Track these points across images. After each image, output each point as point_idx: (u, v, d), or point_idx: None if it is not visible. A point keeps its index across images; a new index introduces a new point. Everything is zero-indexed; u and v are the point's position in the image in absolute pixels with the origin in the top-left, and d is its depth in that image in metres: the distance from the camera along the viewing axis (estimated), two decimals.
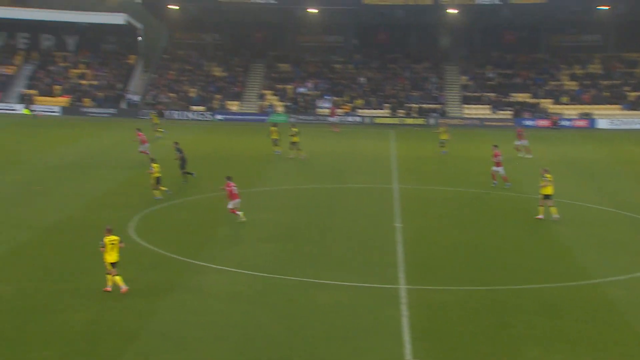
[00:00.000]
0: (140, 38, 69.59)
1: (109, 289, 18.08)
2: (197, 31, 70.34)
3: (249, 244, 23.24)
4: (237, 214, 25.23)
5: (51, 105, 60.50)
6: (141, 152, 37.04)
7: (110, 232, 18.28)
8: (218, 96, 63.89)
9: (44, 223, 24.90)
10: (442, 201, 30.33)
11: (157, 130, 46.31)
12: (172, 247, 22.25)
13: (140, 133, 38.45)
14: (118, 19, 64.60)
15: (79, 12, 66.77)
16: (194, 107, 62.68)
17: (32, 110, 58.23)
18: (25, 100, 60.17)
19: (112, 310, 17.02)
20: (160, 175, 28.69)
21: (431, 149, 43.74)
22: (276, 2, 62.66)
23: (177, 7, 64.35)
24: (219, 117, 61.57)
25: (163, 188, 29.02)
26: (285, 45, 69.90)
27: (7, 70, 64.34)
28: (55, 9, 67.15)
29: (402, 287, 19.07)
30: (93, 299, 17.72)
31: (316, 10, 63.84)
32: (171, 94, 64.00)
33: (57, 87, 63.17)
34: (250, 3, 63.39)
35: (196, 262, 20.95)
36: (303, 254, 22.06)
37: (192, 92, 64.43)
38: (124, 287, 18.03)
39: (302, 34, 69.98)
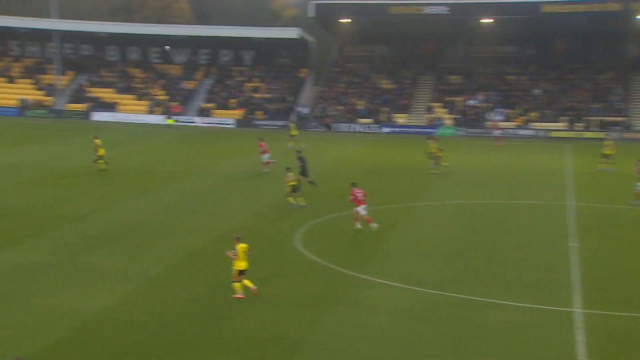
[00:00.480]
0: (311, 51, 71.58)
1: (240, 296, 18.65)
2: (367, 44, 71.21)
3: (414, 259, 22.98)
4: (371, 224, 25.61)
5: (226, 118, 63.65)
6: (266, 162, 37.92)
7: (239, 240, 18.85)
8: (385, 108, 64.18)
9: (218, 231, 26.07)
10: (623, 221, 28.38)
11: (289, 140, 46.94)
12: (337, 259, 22.46)
13: (262, 143, 38.92)
14: (292, 33, 66.85)
15: (256, 27, 69.94)
16: (361, 120, 63.38)
17: (175, 121, 61.33)
18: (167, 110, 63.31)
19: (278, 320, 17.44)
20: (296, 184, 29.55)
21: (614, 165, 41.17)
22: (449, 13, 61.95)
23: (349, 21, 65.52)
24: (385, 129, 61.81)
25: (299, 199, 29.60)
26: (456, 56, 68.92)
27: (189, 85, 68.55)
28: (233, 25, 70.87)
29: (578, 310, 17.98)
30: (261, 306, 18.26)
31: (491, 20, 62.39)
32: (339, 107, 65.16)
33: (233, 100, 66.39)
34: (421, 14, 63.18)
35: (361, 275, 21.00)
36: (471, 272, 21.46)
37: (360, 105, 65.21)
38: (253, 286, 18.71)
39: (473, 44, 68.72)
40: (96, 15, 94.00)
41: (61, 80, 66.57)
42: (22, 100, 63.39)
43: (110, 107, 64.04)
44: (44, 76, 67.72)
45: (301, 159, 33.05)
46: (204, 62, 71.89)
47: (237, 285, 18.78)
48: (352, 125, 62.61)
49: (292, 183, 29.54)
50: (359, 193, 25.94)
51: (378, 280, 20.53)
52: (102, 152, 36.58)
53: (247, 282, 18.83)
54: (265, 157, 38.05)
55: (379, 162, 44.59)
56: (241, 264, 18.73)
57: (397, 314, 17.97)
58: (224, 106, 65.80)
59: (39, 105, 63.63)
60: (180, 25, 78.49)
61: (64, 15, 68.76)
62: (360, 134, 60.75)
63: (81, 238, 24.37)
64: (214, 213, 29.06)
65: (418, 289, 19.73)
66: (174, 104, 65.42)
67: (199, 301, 18.64)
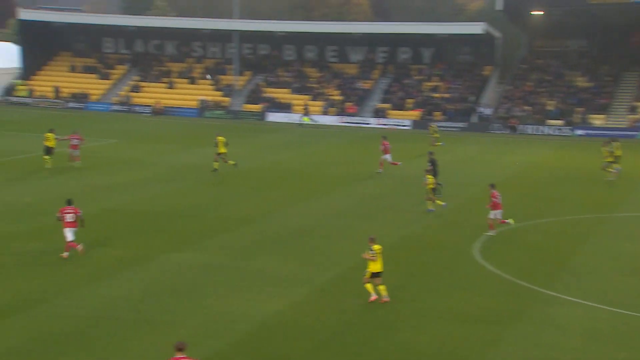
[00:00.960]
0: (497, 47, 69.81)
1: (373, 297, 18.94)
2: (560, 38, 68.34)
3: (609, 276, 21.63)
4: (506, 222, 25.88)
5: (402, 119, 63.62)
6: (392, 163, 38.06)
7: (373, 241, 19.18)
8: (580, 109, 61.15)
9: (391, 238, 26.01)
10: None
11: (435, 145, 46.20)
12: (520, 272, 21.64)
13: (386, 142, 38.63)
14: (476, 28, 65.54)
15: (437, 23, 69.26)
16: (551, 121, 60.83)
17: (311, 119, 61.81)
18: (305, 109, 64.03)
19: (453, 335, 17.07)
20: (434, 187, 29.43)
21: None
22: None
23: (541, 13, 63.19)
24: (579, 132, 58.90)
25: (439, 202, 29.17)
26: None
27: (365, 84, 69.36)
28: (413, 21, 70.67)
29: None
30: (436, 320, 17.96)
31: None
32: (526, 107, 62.98)
33: (410, 100, 66.26)
34: (627, 3, 59.50)
35: (547, 291, 20.08)
36: None
37: (550, 105, 62.64)
38: (385, 297, 18.91)
39: None
40: (274, 14, 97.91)
41: (239, 81, 69.86)
42: (202, 101, 67.23)
43: (285, 107, 66.28)
44: (223, 77, 71.43)
45: (432, 162, 33.13)
46: (381, 60, 72.42)
47: (368, 286, 19.06)
48: (540, 127, 60.27)
49: (431, 186, 29.64)
50: (496, 197, 25.77)
51: (567, 297, 19.53)
52: (222, 149, 37.42)
53: (382, 289, 19.01)
54: (387, 157, 38.30)
55: (570, 167, 42.55)
56: (375, 266, 18.97)
57: (592, 336, 16.96)
58: (400, 107, 65.88)
59: (217, 106, 67.19)
60: (358, 22, 79.64)
61: (244, 15, 72.12)
62: (549, 137, 58.34)
63: (253, 241, 25.28)
64: (387, 219, 29.05)
65: (616, 309, 18.52)
66: (349, 104, 66.45)
67: (371, 310, 18.68)
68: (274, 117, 65.12)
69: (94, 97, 68.90)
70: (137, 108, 66.13)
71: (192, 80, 71.03)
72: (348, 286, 20.73)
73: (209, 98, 68.11)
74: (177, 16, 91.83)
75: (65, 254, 22.34)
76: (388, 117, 64.49)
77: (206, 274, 21.40)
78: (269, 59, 73.81)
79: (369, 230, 26.90)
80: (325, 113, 65.67)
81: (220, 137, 37.78)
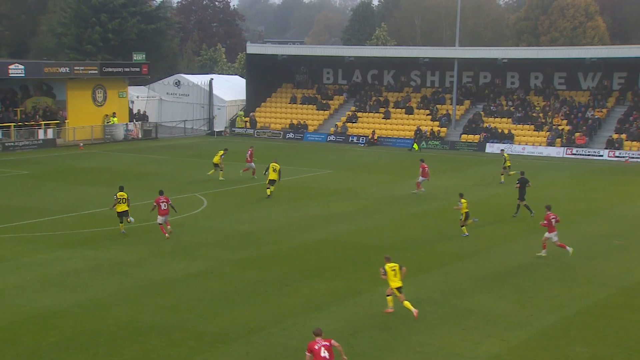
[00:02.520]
0: None
1: (389, 310, 20.97)
2: None
3: None
4: (566, 248, 26.90)
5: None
6: (417, 183, 40.68)
7: (389, 260, 21.21)
8: None
9: (624, 281, 24.57)
10: None
11: (507, 173, 45.89)
12: None
13: (424, 164, 40.81)
14: None
15: None
16: None
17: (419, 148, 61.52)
18: (419, 133, 63.01)
19: None
20: (468, 210, 30.54)
21: None
22: None
23: None
24: None
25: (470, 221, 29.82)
26: None
27: (597, 113, 66.22)
28: None
29: None
30: None
31: None
32: None
33: None
34: None
35: None
36: None
37: None
38: (414, 310, 20.38)
39: None
40: (498, 40, 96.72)
41: (457, 110, 69.62)
42: (417, 131, 67.77)
43: (505, 137, 64.97)
44: (440, 106, 71.58)
45: (520, 181, 35.20)
46: (618, 87, 68.79)
47: (389, 298, 21.20)
48: None
49: (465, 210, 30.62)
50: (552, 218, 27.07)
51: None
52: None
53: (407, 304, 20.66)
54: (420, 179, 40.63)
55: None
56: (395, 283, 20.93)
57: None
58: (638, 137, 62.05)
59: (433, 136, 67.38)
60: (590, 46, 76.44)
61: (465, 42, 71.97)
62: None
63: (468, 277, 25.00)
64: (619, 260, 27.46)
65: None
66: (578, 134, 63.75)
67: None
68: (493, 148, 64.04)
69: (311, 128, 71.92)
70: (352, 138, 68.05)
71: (409, 110, 71.86)
72: (574, 333, 19.85)
73: (425, 128, 68.47)
74: (396, 45, 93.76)
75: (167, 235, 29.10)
76: (624, 149, 60.99)
77: (418, 310, 21.44)
78: (490, 87, 72.89)
79: (597, 271, 25.62)
80: (550, 144, 63.49)
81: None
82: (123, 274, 24.75)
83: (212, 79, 76.49)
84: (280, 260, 27.03)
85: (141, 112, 72.10)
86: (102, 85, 65.54)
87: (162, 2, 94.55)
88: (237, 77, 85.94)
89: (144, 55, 70.50)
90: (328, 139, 69.40)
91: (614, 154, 60.47)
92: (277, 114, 75.19)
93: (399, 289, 20.90)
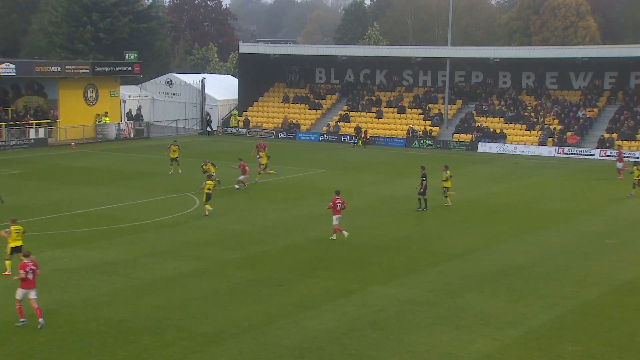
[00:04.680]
0: None
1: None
2: None
3: None
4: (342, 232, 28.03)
5: (632, 150, 60.00)
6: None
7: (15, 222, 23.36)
8: None
9: (615, 280, 24.64)
10: None
11: None
12: None
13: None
14: None
15: None
16: None
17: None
18: (411, 131, 61.51)
19: None
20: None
21: None
22: None
23: None
24: None
25: None
26: None
27: (589, 113, 66.37)
28: None
29: None
30: None
31: None
32: None
33: None
34: None
35: None
36: None
37: None
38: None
39: None
40: (490, 40, 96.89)
41: (449, 110, 69.71)
42: (410, 131, 67.84)
43: (498, 137, 65.09)
44: (432, 106, 71.64)
45: None
46: (609, 86, 68.98)
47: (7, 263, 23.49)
48: None
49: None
50: (338, 202, 29.19)
51: None
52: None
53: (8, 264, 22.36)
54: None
55: None
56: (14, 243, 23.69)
57: None
58: (629, 137, 62.24)
59: (425, 135, 67.43)
60: (583, 46, 76.58)
61: (457, 42, 72.06)
62: None
63: (461, 277, 25.02)
64: (611, 259, 27.54)
65: None
66: (569, 133, 63.91)
67: (593, 358, 17.73)
68: (485, 147, 64.15)
69: (304, 127, 71.90)
70: (345, 138, 68.03)
71: (402, 110, 71.90)
72: (566, 332, 19.90)
73: (418, 127, 68.53)
74: (388, 44, 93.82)
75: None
76: (614, 149, 61.16)
77: (410, 309, 21.48)
78: (482, 87, 73.01)
79: (589, 270, 25.69)
80: (542, 143, 63.63)
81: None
82: (115, 273, 24.67)
83: (204, 78, 76.39)
84: (273, 259, 26.99)
85: (133, 112, 71.95)
86: (94, 84, 65.38)
87: (154, 2, 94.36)
88: (229, 76, 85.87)
89: (135, 55, 70.35)
90: (320, 139, 69.37)
91: (605, 153, 60.63)
92: (270, 113, 75.14)
93: (17, 248, 23.74)
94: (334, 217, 29.89)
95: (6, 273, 24.11)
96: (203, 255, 27.17)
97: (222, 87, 78.64)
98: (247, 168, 41.11)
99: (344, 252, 28.17)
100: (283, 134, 70.79)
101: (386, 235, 31.14)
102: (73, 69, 63.10)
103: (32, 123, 59.41)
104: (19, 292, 19.94)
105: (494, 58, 68.29)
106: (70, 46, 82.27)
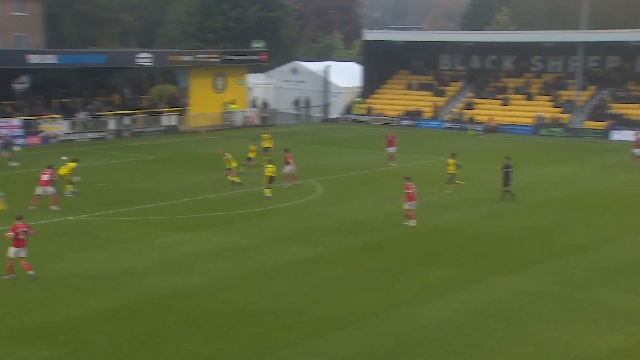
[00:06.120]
0: None
1: None
2: None
3: None
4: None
5: None
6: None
7: None
8: None
9: None
10: None
11: None
12: None
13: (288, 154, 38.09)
14: None
15: None
16: None
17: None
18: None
19: None
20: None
21: None
22: None
23: None
24: None
25: None
26: None
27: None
28: None
29: None
30: None
31: None
32: None
33: None
34: None
35: None
36: None
37: None
38: None
39: None
40: (630, 22, 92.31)
41: (581, 96, 67.12)
42: (538, 118, 65.83)
43: (633, 125, 62.13)
44: (563, 92, 69.20)
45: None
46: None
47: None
48: None
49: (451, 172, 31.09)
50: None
51: None
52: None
53: None
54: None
55: None
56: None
57: None
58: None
59: (554, 123, 65.25)
60: None
61: (592, 25, 69.21)
62: None
63: (587, 269, 24.19)
64: None
65: None
66: None
67: None
68: (620, 135, 61.38)
69: (427, 115, 71.20)
70: (469, 125, 66.85)
71: (529, 97, 69.90)
72: None
73: (546, 114, 66.43)
74: (517, 29, 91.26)
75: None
76: None
77: (534, 301, 20.95)
78: (618, 72, 69.83)
79: None
80: None
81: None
82: (240, 258, 25.32)
83: (329, 65, 76.89)
84: (392, 247, 26.95)
85: (258, 99, 73.43)
86: (223, 72, 67.13)
87: None
88: (353, 64, 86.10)
89: (263, 43, 71.71)
90: (444, 126, 68.48)
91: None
92: (393, 100, 74.84)
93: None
94: (409, 203, 29.53)
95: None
96: (323, 242, 27.45)
97: (346, 75, 78.94)
98: (291, 160, 37.96)
99: (464, 241, 27.77)
100: (406, 121, 70.37)
101: (509, 224, 30.44)
102: (203, 58, 65.03)
103: (164, 111, 61.73)
104: (11, 251, 22.25)
105: (634, 41, 65.03)
106: (201, 36, 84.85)
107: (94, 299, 20.82)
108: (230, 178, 37.83)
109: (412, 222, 29.60)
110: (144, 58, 59.63)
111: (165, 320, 19.50)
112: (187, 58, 63.60)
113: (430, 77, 77.07)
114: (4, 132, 48.96)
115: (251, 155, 41.60)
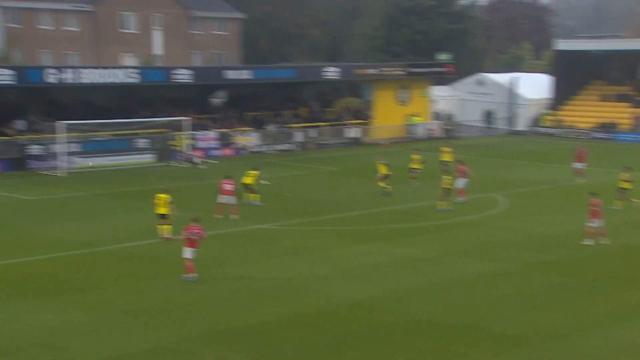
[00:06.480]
0: None
1: None
2: None
3: None
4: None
5: None
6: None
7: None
8: None
9: None
10: None
11: None
12: None
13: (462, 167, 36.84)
14: None
15: None
16: None
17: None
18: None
19: None
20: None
21: None
22: None
23: None
24: None
25: None
26: None
27: None
28: None
29: None
30: None
31: None
32: None
33: None
34: None
35: None
36: None
37: None
38: None
39: None
40: None
41: None
42: None
43: None
44: None
45: None
46: None
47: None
48: None
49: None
50: None
51: None
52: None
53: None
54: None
55: None
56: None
57: None
58: None
59: None
60: None
61: None
62: None
63: None
64: None
65: None
66: None
67: None
68: None
69: (623, 127, 67.39)
70: None
71: None
72: None
73: None
74: None
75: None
76: None
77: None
78: None
79: None
80: None
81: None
82: (419, 270, 25.14)
83: (516, 76, 74.91)
84: (580, 265, 25.71)
85: (442, 111, 72.83)
86: (407, 85, 67.25)
87: (472, 2, 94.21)
88: (541, 75, 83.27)
89: (449, 55, 71.13)
90: None
91: None
92: (585, 112, 71.55)
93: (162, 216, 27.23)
94: (593, 221, 27.82)
95: (166, 236, 27.80)
96: (506, 257, 26.67)
97: (534, 86, 76.48)
98: (468, 172, 37.04)
99: None
100: (598, 134, 67.00)
101: None
102: (388, 71, 65.50)
103: (349, 123, 62.77)
104: (187, 251, 23.10)
105: None
106: (387, 49, 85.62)
107: (279, 306, 21.43)
108: (381, 184, 38.21)
109: (589, 241, 28.02)
110: (331, 72, 60.98)
111: (346, 329, 19.69)
112: (372, 71, 64.30)
113: (629, 88, 72.93)
114: (201, 144, 52.04)
115: (414, 166, 41.31)
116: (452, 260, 26.24)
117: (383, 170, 38.76)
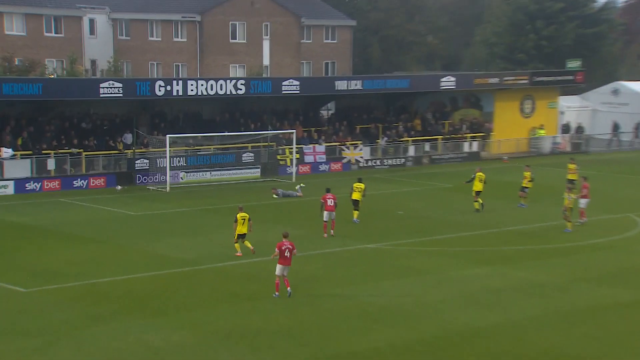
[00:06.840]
0: None
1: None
2: None
3: None
4: None
5: None
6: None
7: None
8: None
9: None
10: None
11: None
12: None
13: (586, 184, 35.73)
14: None
15: None
16: None
17: None
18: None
19: None
20: None
21: None
22: None
23: None
24: None
25: None
26: None
27: None
28: None
29: None
30: None
31: None
32: None
33: None
34: None
35: None
36: None
37: None
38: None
39: None
40: None
41: None
42: None
43: None
44: None
45: None
46: None
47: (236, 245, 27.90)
48: None
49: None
50: None
51: None
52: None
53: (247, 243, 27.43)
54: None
55: None
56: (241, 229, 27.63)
57: None
58: None
59: None
60: None
61: None
62: None
63: None
64: None
65: None
66: None
67: None
68: None
69: None
70: None
71: None
72: None
73: None
74: None
75: None
76: None
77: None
78: None
79: None
80: None
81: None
82: (544, 296, 24.45)
83: None
84: None
85: (570, 124, 70.74)
86: (531, 95, 65.75)
87: (607, 3, 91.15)
88: None
89: (580, 62, 69.10)
90: None
91: None
92: None
93: (242, 235, 27.88)
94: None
95: (238, 254, 28.50)
96: None
97: None
98: (588, 191, 35.56)
99: None
100: None
101: None
102: (511, 80, 64.24)
103: (466, 136, 61.86)
104: (278, 268, 23.61)
105: None
106: (509, 56, 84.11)
107: (390, 331, 21.27)
108: (476, 204, 38.34)
109: None
110: (448, 81, 60.36)
111: (461, 358, 19.31)
112: (494, 80, 63.20)
113: None
114: (308, 158, 52.51)
115: (525, 184, 40.20)
116: (582, 287, 25.41)
117: (478, 186, 38.29)
